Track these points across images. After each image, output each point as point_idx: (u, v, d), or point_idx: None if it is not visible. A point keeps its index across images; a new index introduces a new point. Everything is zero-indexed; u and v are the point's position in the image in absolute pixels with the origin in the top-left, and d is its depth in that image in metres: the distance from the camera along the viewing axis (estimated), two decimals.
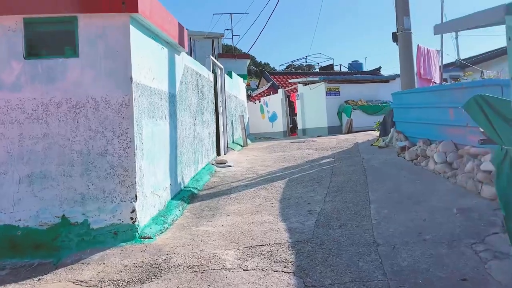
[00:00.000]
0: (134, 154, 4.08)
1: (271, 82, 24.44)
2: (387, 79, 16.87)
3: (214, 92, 8.69)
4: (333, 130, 15.72)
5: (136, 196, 4.07)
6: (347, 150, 8.63)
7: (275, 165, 7.74)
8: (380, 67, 30.15)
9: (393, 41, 9.04)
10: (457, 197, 4.38)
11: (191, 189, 5.94)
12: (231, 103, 10.92)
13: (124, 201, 4.06)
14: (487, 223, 3.46)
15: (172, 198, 5.28)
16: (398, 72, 19.40)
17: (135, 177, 4.08)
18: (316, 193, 5.46)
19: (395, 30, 9.00)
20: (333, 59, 34.32)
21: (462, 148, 5.31)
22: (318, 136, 15.24)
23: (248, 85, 37.44)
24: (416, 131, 7.16)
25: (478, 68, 13.52)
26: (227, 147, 9.62)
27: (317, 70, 31.81)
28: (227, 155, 9.10)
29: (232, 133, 10.78)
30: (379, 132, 9.80)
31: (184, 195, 5.56)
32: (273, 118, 20.56)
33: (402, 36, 8.83)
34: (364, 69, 31.35)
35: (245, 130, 11.02)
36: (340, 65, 32.84)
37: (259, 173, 7.03)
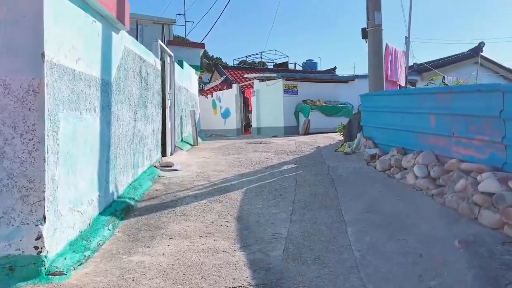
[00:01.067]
0: (44, 159, 3.03)
1: (225, 76, 23.46)
2: (346, 80, 16.52)
3: (162, 82, 7.63)
4: (290, 131, 15.10)
5: (44, 217, 3.02)
6: (310, 155, 7.92)
7: (229, 170, 6.85)
8: (335, 67, 30.16)
9: (362, 38, 8.45)
10: (450, 222, 3.74)
11: (127, 200, 4.91)
12: (181, 96, 9.87)
13: (27, 223, 3.00)
14: (502, 263, 2.80)
15: (100, 213, 4.24)
16: (352, 74, 19.23)
17: (44, 191, 3.02)
18: (280, 209, 4.65)
19: (365, 26, 8.42)
20: (288, 56, 33.89)
21: (446, 162, 4.72)
22: (273, 136, 14.54)
23: (200, 78, 36.14)
24: (388, 137, 6.57)
25: (439, 73, 13.47)
26: (175, 146, 8.59)
27: (271, 67, 31.24)
28: (174, 156, 8.08)
29: (181, 130, 9.74)
30: (342, 136, 9.21)
31: (117, 208, 4.52)
32: (226, 114, 19.63)
33: (372, 33, 8.26)
34: (319, 69, 31.29)
35: (196, 127, 10.01)
36: (295, 63, 32.56)
37: (211, 180, 6.11)
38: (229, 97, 19.16)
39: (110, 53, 4.63)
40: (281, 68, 27.32)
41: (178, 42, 13.94)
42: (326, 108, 14.86)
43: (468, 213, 3.80)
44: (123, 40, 5.09)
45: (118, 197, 4.86)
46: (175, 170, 6.67)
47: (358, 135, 7.68)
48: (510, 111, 3.83)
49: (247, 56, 33.66)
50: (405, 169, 5.59)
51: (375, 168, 6.26)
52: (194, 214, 4.58)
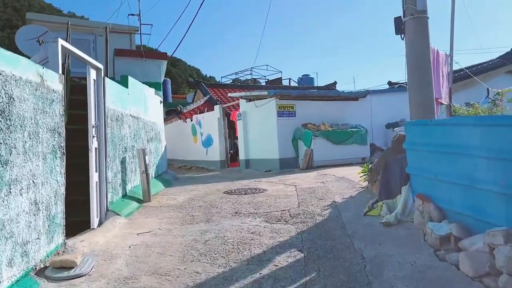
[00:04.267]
0: None
1: (209, 96, 20.66)
2: (356, 97, 13.74)
3: (66, 110, 4.76)
4: (287, 164, 12.21)
5: None
6: (323, 225, 4.98)
7: (180, 272, 3.89)
8: (335, 82, 27.68)
9: (396, 33, 5.66)
10: None
11: None
12: (124, 129, 6.93)
13: None
14: None
15: None
16: (354, 90, 16.41)
17: None
18: None
19: (400, 15, 5.64)
20: (281, 72, 31.32)
21: None
22: (266, 172, 11.71)
23: (183, 98, 33.25)
24: (472, 203, 3.70)
25: (480, 81, 10.73)
26: (107, 210, 5.64)
27: (264, 84, 28.67)
28: (101, 228, 5.13)
29: (125, 179, 6.78)
30: (368, 180, 6.34)
31: None
32: (207, 142, 16.73)
33: (412, 24, 5.46)
34: (316, 85, 28.69)
35: (146, 174, 7.03)
36: (290, 79, 30.11)
37: None
38: (210, 121, 16.30)
39: None
40: (273, 85, 24.71)
41: (130, 51, 11.05)
42: (333, 134, 12.00)
43: None
44: None
45: None
46: (76, 276, 3.71)
47: (404, 190, 4.80)
48: None
49: (236, 73, 30.95)
50: None
51: (457, 268, 3.37)
52: None
